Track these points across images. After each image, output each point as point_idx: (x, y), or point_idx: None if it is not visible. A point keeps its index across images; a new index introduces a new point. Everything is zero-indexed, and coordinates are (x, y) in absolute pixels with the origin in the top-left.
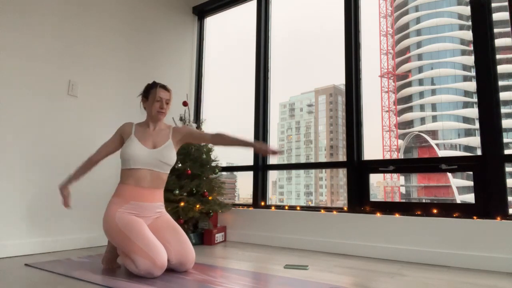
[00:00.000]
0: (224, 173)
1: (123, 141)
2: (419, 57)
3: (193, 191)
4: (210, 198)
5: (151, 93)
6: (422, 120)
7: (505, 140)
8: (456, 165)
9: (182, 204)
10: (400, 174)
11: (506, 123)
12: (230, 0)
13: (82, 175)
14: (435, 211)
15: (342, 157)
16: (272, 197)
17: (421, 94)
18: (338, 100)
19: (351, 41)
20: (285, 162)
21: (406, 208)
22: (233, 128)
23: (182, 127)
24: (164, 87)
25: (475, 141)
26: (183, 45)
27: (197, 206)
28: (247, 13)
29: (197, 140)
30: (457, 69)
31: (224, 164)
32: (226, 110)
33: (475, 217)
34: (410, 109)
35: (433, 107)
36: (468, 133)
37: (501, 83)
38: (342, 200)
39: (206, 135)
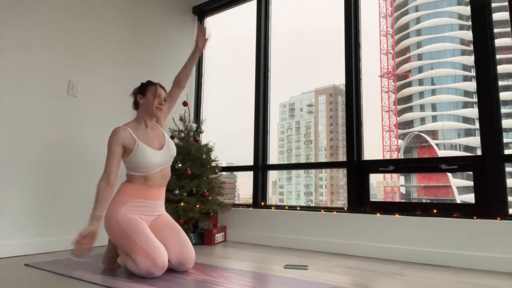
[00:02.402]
0: (224, 173)
1: (126, 150)
2: (419, 57)
3: (193, 191)
4: (210, 198)
5: (150, 89)
6: (422, 120)
7: (505, 140)
8: (456, 165)
9: (182, 204)
10: (400, 174)
11: (506, 123)
12: (230, 0)
13: (107, 204)
14: (435, 211)
15: (342, 157)
16: (272, 197)
17: (421, 94)
18: (338, 100)
19: (351, 41)
20: (285, 162)
21: (406, 208)
22: (233, 128)
23: (160, 117)
24: (161, 86)
25: (475, 141)
26: (183, 45)
27: (197, 206)
28: (247, 13)
29: (173, 98)
30: (457, 69)
31: (224, 164)
32: (226, 110)
33: (475, 217)
34: (410, 109)
35: (433, 107)
36: (468, 133)
37: (501, 83)
38: (342, 200)
39: (172, 89)
